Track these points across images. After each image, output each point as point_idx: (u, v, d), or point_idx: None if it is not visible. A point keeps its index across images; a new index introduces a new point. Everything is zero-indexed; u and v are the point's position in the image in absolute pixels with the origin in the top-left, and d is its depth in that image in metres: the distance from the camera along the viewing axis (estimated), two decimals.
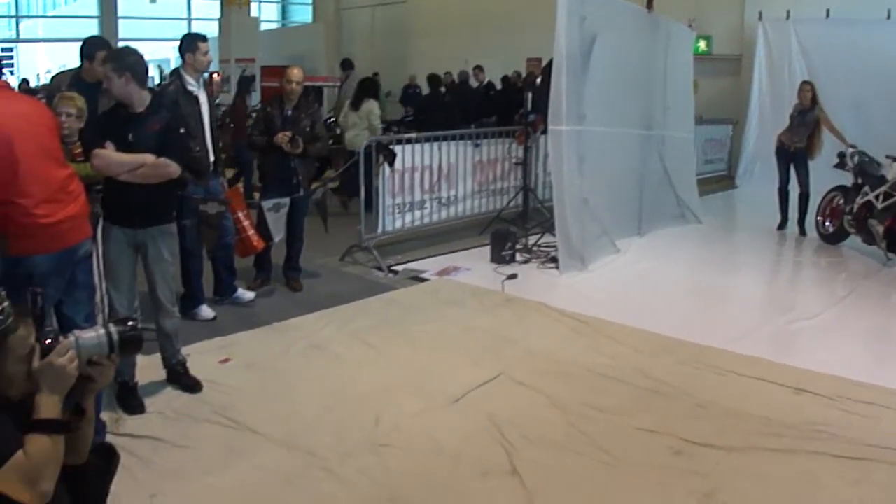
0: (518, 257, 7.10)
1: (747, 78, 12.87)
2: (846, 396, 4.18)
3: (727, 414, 3.98)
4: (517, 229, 7.75)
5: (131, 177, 3.77)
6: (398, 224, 7.59)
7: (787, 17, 12.13)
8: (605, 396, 4.18)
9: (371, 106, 8.97)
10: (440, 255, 7.35)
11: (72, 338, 2.01)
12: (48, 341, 1.99)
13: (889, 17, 11.03)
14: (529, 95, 8.96)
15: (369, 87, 9.40)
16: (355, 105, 8.98)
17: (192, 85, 5.20)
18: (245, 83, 10.86)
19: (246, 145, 6.40)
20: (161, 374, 4.22)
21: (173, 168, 3.89)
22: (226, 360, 4.62)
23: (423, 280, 6.56)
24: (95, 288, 3.70)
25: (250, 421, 3.79)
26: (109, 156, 3.75)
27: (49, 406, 1.93)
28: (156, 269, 4.01)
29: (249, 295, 5.82)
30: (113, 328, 2.08)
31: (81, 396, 2.07)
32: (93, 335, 2.05)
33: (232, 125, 9.77)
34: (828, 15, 11.59)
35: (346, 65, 12.51)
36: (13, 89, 3.48)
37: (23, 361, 1.95)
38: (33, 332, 1.99)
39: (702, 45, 13.05)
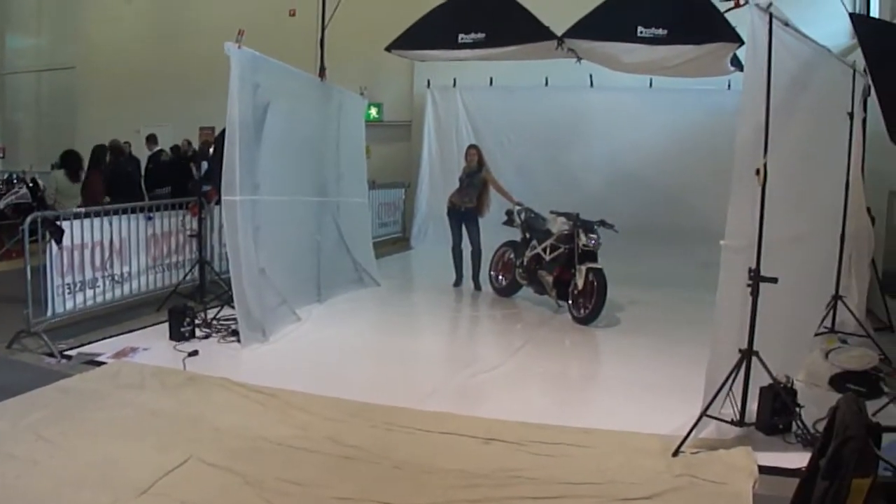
0: (198, 333, 7.13)
1: (418, 142, 13.87)
2: (532, 440, 4.59)
3: (423, 472, 4.18)
4: (195, 304, 7.79)
5: None
6: (69, 305, 7.27)
7: (454, 84, 13.50)
8: (300, 469, 4.24)
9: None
10: (116, 335, 7.18)
11: None
12: None
13: (547, 83, 12.57)
14: (204, 165, 9.04)
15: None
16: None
17: None
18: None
19: None
20: None
21: None
22: None
23: (99, 364, 6.37)
24: None
25: None
26: None
27: None
28: None
29: None
30: None
31: None
32: None
33: None
34: (491, 83, 13.14)
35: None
36: None
37: None
38: None
39: (373, 112, 14.00)
